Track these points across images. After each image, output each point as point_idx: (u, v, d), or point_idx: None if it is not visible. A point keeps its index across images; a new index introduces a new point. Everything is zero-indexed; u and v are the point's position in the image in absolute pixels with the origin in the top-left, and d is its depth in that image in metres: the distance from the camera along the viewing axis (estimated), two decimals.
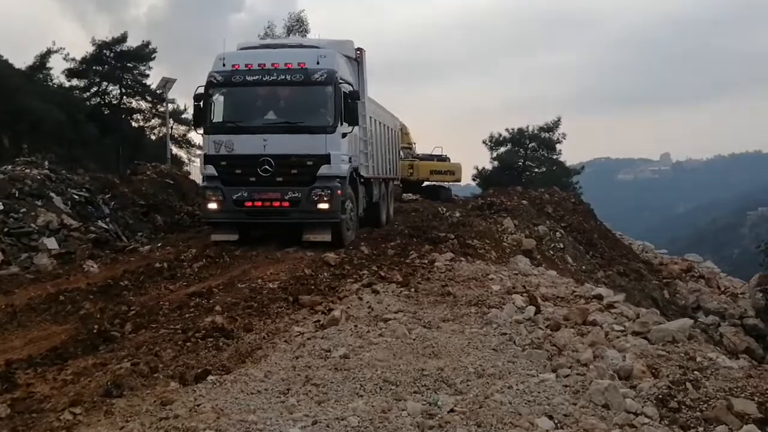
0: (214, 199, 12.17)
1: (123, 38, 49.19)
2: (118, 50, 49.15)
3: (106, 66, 48.52)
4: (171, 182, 17.88)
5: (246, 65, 12.18)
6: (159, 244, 13.93)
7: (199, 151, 56.12)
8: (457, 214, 18.79)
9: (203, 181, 12.84)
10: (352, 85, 13.21)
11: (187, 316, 7.71)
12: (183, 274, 10.28)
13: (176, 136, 56.74)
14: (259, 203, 12.07)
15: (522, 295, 8.43)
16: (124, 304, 8.24)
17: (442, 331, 6.88)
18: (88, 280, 10.00)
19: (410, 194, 31.22)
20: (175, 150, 56.80)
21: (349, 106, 12.30)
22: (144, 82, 49.01)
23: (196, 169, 52.81)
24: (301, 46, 13.54)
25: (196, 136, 55.50)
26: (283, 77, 12.09)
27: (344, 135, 12.35)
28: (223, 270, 10.62)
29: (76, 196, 13.79)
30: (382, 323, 7.11)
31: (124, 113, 51.08)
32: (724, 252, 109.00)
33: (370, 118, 15.11)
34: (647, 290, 16.95)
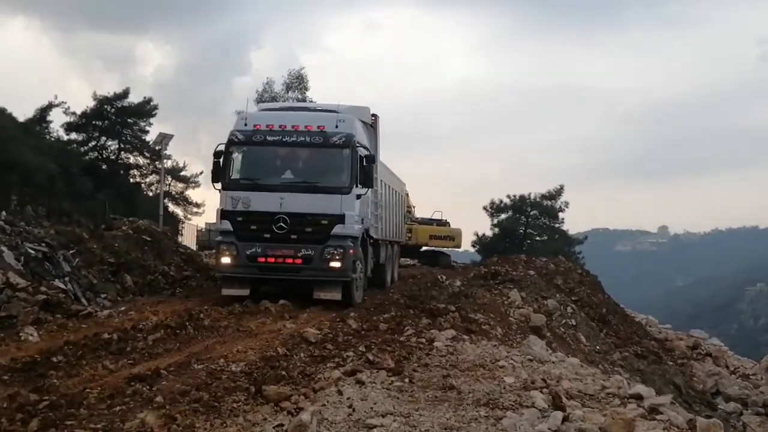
0: (228, 253, 12.26)
1: (125, 94, 48.57)
2: (119, 105, 48.54)
3: (106, 121, 47.75)
4: (148, 239, 16.28)
5: (267, 125, 12.48)
6: (122, 308, 12.24)
7: (195, 209, 55.01)
8: (458, 283, 17.10)
9: (218, 235, 13.05)
10: (368, 149, 13.38)
11: (116, 409, 5.94)
12: (134, 347, 8.52)
13: (173, 193, 55.63)
14: (273, 259, 12.15)
15: (542, 392, 6.67)
16: (43, 390, 6.45)
17: None
18: (20, 351, 8.24)
19: (408, 259, 29.63)
20: (171, 207, 55.62)
21: (365, 169, 12.62)
22: (143, 138, 48.14)
23: (191, 228, 51.46)
24: (320, 110, 13.75)
25: (194, 194, 54.40)
26: (303, 139, 12.34)
27: (359, 197, 12.59)
28: (182, 344, 8.87)
29: (32, 251, 12.14)
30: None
31: (122, 168, 50.09)
32: (723, 327, 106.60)
33: (381, 181, 15.33)
34: (668, 375, 15.11)
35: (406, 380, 7.02)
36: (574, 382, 7.35)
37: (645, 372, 14.31)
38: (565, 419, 5.77)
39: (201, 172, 52.86)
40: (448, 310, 12.60)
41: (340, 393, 6.31)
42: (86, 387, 6.59)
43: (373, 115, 15.19)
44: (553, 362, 8.55)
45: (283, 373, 7.12)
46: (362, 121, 14.28)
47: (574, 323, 14.69)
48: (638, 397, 6.73)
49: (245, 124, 12.75)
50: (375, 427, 5.41)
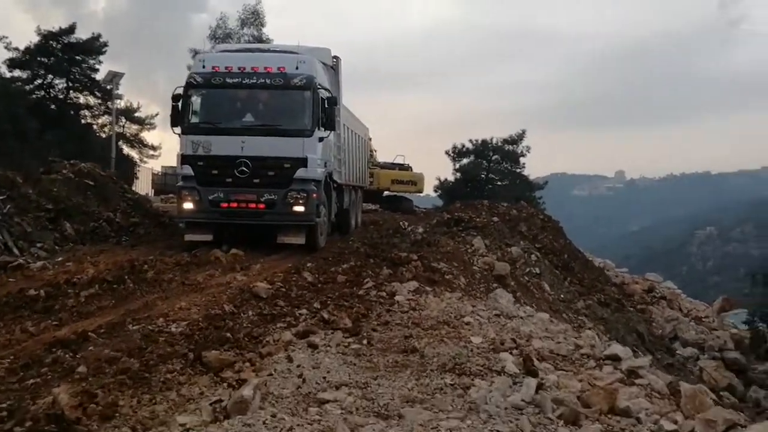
0: (190, 198, 12.06)
1: (71, 29, 45.71)
2: (66, 42, 45.83)
3: (52, 58, 45.11)
4: (91, 184, 15.09)
5: (226, 68, 12.17)
6: (59, 259, 11.26)
7: (151, 152, 53.13)
8: (420, 230, 16.42)
9: (179, 180, 12.71)
10: (329, 91, 13.05)
11: (29, 383, 5.13)
12: (63, 306, 7.65)
13: (128, 135, 53.40)
14: (235, 204, 11.98)
15: (512, 353, 6.09)
16: None
17: (404, 425, 4.46)
18: None
19: (370, 204, 28.87)
20: (126, 150, 53.46)
21: (327, 111, 12.40)
22: (93, 76, 45.73)
23: (147, 171, 49.62)
24: (280, 51, 13.36)
25: (148, 136, 52.33)
26: (263, 81, 12.10)
27: (321, 139, 12.38)
28: (119, 301, 8.02)
29: None
30: (314, 409, 4.65)
31: (71, 109, 47.71)
32: (674, 270, 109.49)
33: (344, 125, 15.12)
34: (630, 323, 14.86)
35: (364, 342, 6.36)
36: (545, 340, 6.79)
37: (608, 320, 14.02)
38: (539, 387, 5.17)
39: (156, 114, 50.65)
40: (410, 259, 11.95)
41: (289, 359, 5.60)
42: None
43: (335, 57, 14.79)
44: (521, 317, 7.99)
45: (228, 335, 6.37)
46: (323, 63, 13.87)
47: (538, 271, 14.22)
48: (614, 358, 6.20)
49: (203, 67, 12.43)
50: (327, 402, 4.73)
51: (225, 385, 5.13)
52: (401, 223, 17.81)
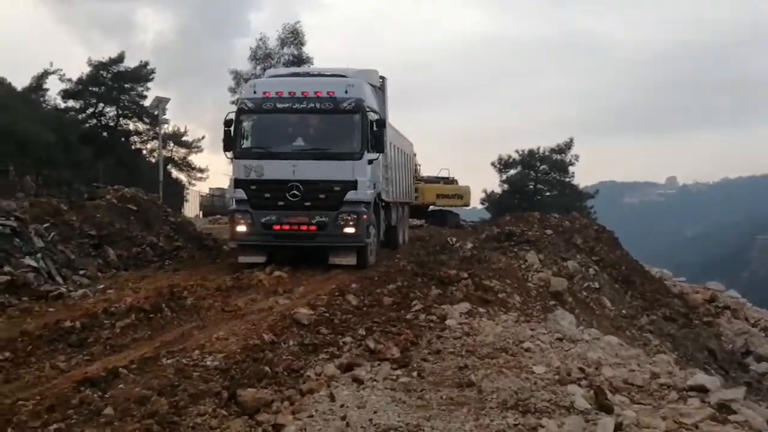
0: (243, 221, 12.27)
1: (120, 58, 46.89)
2: (115, 71, 46.89)
3: (102, 87, 46.22)
4: (134, 209, 14.95)
5: (276, 93, 12.35)
6: (100, 286, 11.01)
7: (199, 174, 53.79)
8: (469, 245, 15.74)
9: (232, 204, 12.94)
10: (378, 113, 13.22)
11: (51, 428, 4.69)
12: (98, 338, 7.26)
13: (176, 158, 54.25)
14: (287, 227, 12.16)
15: (581, 385, 5.39)
16: None
17: None
18: None
19: (415, 220, 28.27)
20: (175, 173, 54.31)
21: (376, 134, 12.52)
22: (141, 103, 46.66)
23: (195, 194, 50.11)
24: (329, 75, 13.53)
25: (197, 159, 53.02)
26: (313, 105, 12.23)
27: (370, 162, 12.50)
28: (155, 332, 7.60)
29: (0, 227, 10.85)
30: None
31: (121, 135, 48.68)
32: (734, 277, 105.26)
33: (390, 143, 15.15)
34: (700, 339, 13.83)
35: (414, 374, 5.74)
36: (616, 368, 6.05)
37: (676, 337, 13.05)
38: (617, 428, 4.47)
39: (203, 137, 51.29)
40: (460, 278, 11.33)
41: (332, 398, 5.03)
42: (23, 395, 5.32)
43: (381, 77, 15.00)
44: (586, 341, 7.25)
45: (266, 368, 5.85)
46: (371, 85, 14.04)
47: (597, 286, 13.37)
48: (700, 389, 5.42)
49: (254, 92, 12.63)
50: None
51: (260, 430, 4.59)
52: (448, 239, 17.18)
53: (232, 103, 38.22)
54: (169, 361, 6.22)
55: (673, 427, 4.59)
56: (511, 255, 13.46)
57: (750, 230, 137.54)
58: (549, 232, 15.68)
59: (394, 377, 5.63)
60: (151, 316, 8.14)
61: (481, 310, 9.11)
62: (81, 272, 11.68)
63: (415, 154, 24.32)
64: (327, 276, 11.96)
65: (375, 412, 4.75)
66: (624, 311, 13.23)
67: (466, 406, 4.96)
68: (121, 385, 5.57)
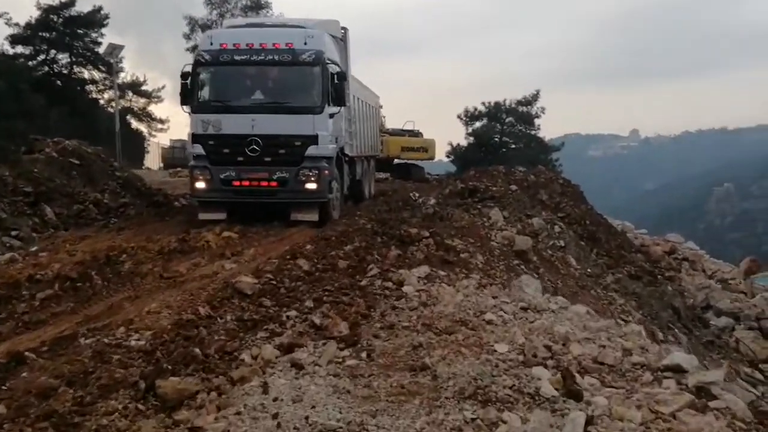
0: (201, 178, 11.90)
1: (71, 2, 44.40)
2: (67, 15, 44.46)
3: (53, 32, 43.82)
4: (77, 163, 13.88)
5: (234, 44, 11.98)
6: (34, 248, 10.10)
7: (160, 125, 52.02)
8: (432, 201, 15.07)
9: (191, 159, 12.56)
10: (339, 66, 12.92)
11: None
12: (12, 312, 6.45)
13: (135, 109, 52.13)
14: (247, 183, 11.87)
15: (547, 366, 4.80)
16: None
17: None
18: None
19: (379, 173, 27.51)
20: (134, 124, 52.27)
21: (337, 87, 12.26)
22: (96, 50, 44.46)
23: (156, 146, 48.39)
24: (288, 26, 13.15)
25: (158, 109, 51.13)
26: (271, 57, 11.92)
27: (331, 115, 12.22)
28: (79, 304, 6.82)
29: None
30: None
31: (76, 84, 46.51)
32: (691, 228, 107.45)
33: (354, 96, 14.93)
34: (666, 297, 13.50)
35: (363, 356, 5.09)
36: (585, 344, 5.48)
37: (641, 295, 12.68)
38: (588, 423, 3.89)
39: (163, 86, 49.30)
40: (422, 236, 10.69)
41: (265, 389, 4.35)
42: None
43: (343, 28, 14.51)
44: (552, 311, 6.68)
45: (196, 351, 5.13)
46: (332, 36, 13.60)
47: (562, 244, 12.86)
48: (677, 370, 4.88)
49: (211, 44, 12.20)
50: None
51: (180, 427, 3.89)
52: (411, 194, 16.48)
53: (188, 50, 36.49)
54: (87, 341, 5.47)
55: (650, 417, 4.05)
56: (475, 212, 12.84)
57: (708, 183, 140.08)
58: (514, 187, 15.07)
59: (340, 359, 4.97)
60: (79, 285, 7.34)
61: (441, 273, 8.49)
62: (13, 232, 10.76)
63: (380, 107, 23.47)
64: (281, 236, 11.22)
65: (313, 407, 4.09)
66: (589, 270, 12.78)
67: (418, 396, 4.33)
68: (25, 373, 4.81)
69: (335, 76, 12.34)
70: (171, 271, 8.16)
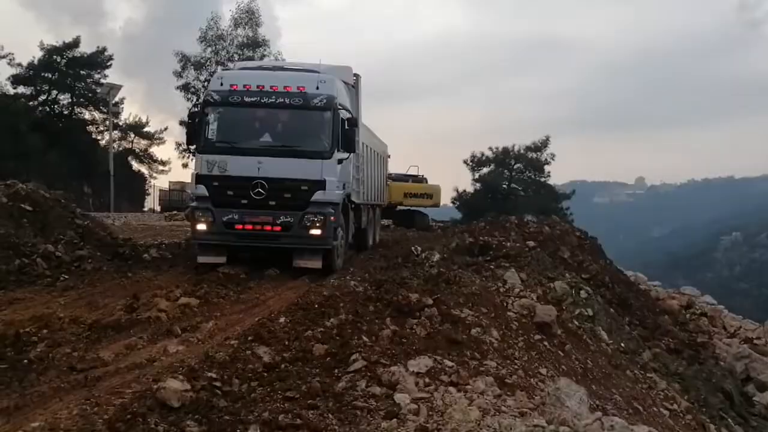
0: (203, 219, 11.56)
1: (75, 43, 43.65)
2: (70, 56, 43.58)
3: (56, 73, 42.95)
4: (29, 209, 11.97)
5: (244, 86, 11.76)
6: None
7: (161, 167, 50.63)
8: (437, 257, 13.07)
9: (193, 200, 12.23)
10: (350, 112, 12.80)
11: None
12: None
13: (137, 150, 50.90)
14: (250, 226, 11.49)
15: None
16: None
17: None
18: None
19: (382, 220, 25.59)
20: (136, 165, 50.92)
21: (347, 133, 11.99)
22: (98, 91, 43.42)
23: (157, 187, 46.67)
24: (300, 69, 12.84)
25: (158, 151, 49.87)
26: (282, 100, 11.65)
27: (340, 161, 11.95)
28: None
29: None
30: None
31: (77, 125, 45.32)
32: (698, 276, 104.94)
33: (363, 144, 14.70)
34: (714, 378, 11.32)
35: None
36: None
37: (685, 376, 10.53)
38: None
39: (165, 128, 48.17)
40: (424, 305, 8.69)
41: None
42: None
43: (355, 74, 14.29)
44: None
45: None
46: (344, 82, 13.38)
47: (590, 313, 10.75)
48: None
49: (221, 84, 12.00)
50: None
51: None
52: (413, 248, 14.46)
53: (178, 88, 35.20)
54: None
55: None
56: (487, 274, 10.81)
57: (714, 231, 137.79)
58: (531, 243, 13.05)
59: None
60: None
61: (447, 364, 6.42)
62: None
63: (388, 156, 21.98)
64: (253, 302, 9.23)
65: None
66: (623, 344, 10.62)
67: None
68: None
69: (346, 122, 12.02)
70: (90, 359, 6.10)
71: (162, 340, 6.94)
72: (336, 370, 5.98)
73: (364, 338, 6.96)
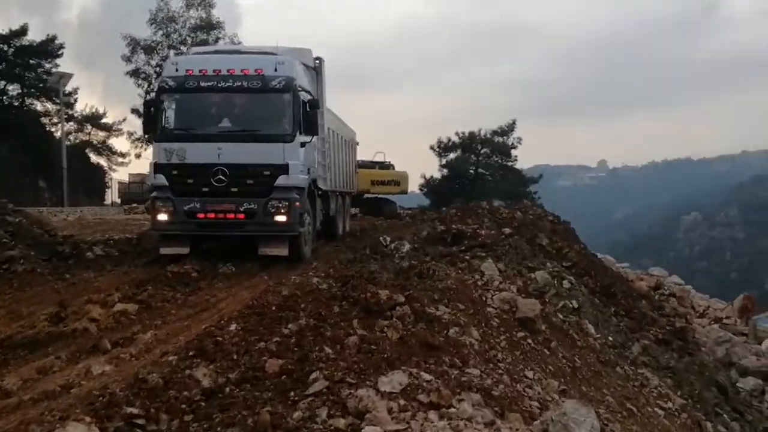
0: (164, 210, 11.22)
1: (23, 31, 41.28)
2: (18, 45, 41.27)
3: (3, 63, 40.65)
4: None
5: (200, 71, 11.43)
6: None
7: (120, 159, 48.63)
8: (407, 247, 12.08)
9: (152, 191, 11.83)
10: (311, 94, 12.52)
11: None
12: None
13: (95, 142, 48.84)
14: (213, 215, 11.18)
15: None
16: None
17: None
18: None
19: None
20: (94, 158, 48.81)
21: (308, 115, 11.69)
22: (48, 79, 41.24)
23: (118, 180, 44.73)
24: (257, 52, 12.54)
25: (117, 143, 47.89)
26: (240, 84, 11.36)
27: (303, 145, 11.60)
28: None
29: None
30: None
31: (29, 117, 43.09)
32: (661, 256, 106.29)
33: (329, 129, 14.45)
34: (707, 371, 10.50)
35: None
36: None
37: (677, 369, 9.71)
38: None
39: (124, 119, 46.25)
40: (395, 302, 7.71)
41: None
42: None
43: (317, 58, 13.79)
44: None
45: None
46: (304, 65, 12.93)
47: (575, 305, 9.85)
48: None
49: (176, 70, 11.57)
50: None
51: None
52: (381, 238, 13.41)
53: (128, 74, 33.51)
54: None
55: None
56: (463, 266, 9.83)
57: (675, 212, 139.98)
58: (507, 230, 12.11)
59: None
60: None
61: (425, 378, 5.40)
62: None
63: (357, 143, 20.99)
64: (201, 306, 8.08)
65: None
66: (611, 337, 9.76)
67: None
68: None
69: (307, 104, 11.68)
70: None
71: (86, 359, 5.79)
72: (292, 393, 4.91)
73: (327, 349, 5.91)
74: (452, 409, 4.60)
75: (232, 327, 6.61)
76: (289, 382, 5.15)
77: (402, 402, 4.75)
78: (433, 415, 4.45)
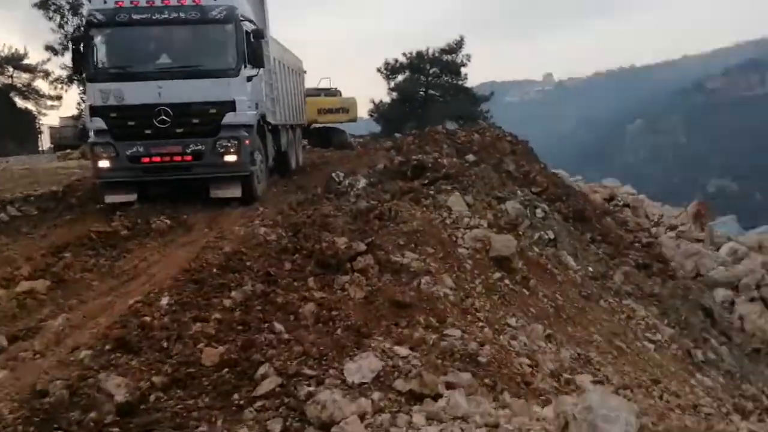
0: (105, 156, 10.40)
1: None
2: None
3: None
4: None
5: (132, 2, 10.40)
6: None
7: (50, 102, 45.23)
8: (362, 183, 10.95)
9: (92, 135, 10.98)
10: (254, 23, 11.74)
11: None
12: None
13: (19, 85, 45.32)
14: (158, 158, 10.43)
15: None
16: None
17: None
18: None
19: None
20: (20, 102, 45.40)
21: (254, 47, 10.91)
22: None
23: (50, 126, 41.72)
24: None
25: (44, 85, 44.41)
26: (177, 15, 10.40)
27: (249, 78, 10.89)
28: None
29: None
30: None
31: None
32: (609, 165, 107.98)
33: (274, 59, 13.85)
34: (691, 294, 9.88)
35: None
36: None
37: (661, 296, 9.06)
38: None
39: (48, 59, 42.72)
40: (355, 252, 6.72)
41: None
42: None
43: None
44: None
45: None
46: None
47: (551, 236, 8.99)
48: None
49: (104, 1, 10.61)
50: None
51: None
52: (334, 174, 12.20)
53: (35, 6, 30.48)
54: None
55: None
56: (428, 202, 8.77)
57: (620, 121, 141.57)
58: (471, 157, 11.04)
59: None
60: None
61: (401, 355, 4.42)
62: None
63: (304, 72, 19.41)
64: (129, 275, 6.86)
65: None
66: (591, 268, 8.97)
67: None
68: None
69: (251, 34, 10.92)
70: None
71: None
72: (236, 396, 3.85)
73: (278, 326, 4.84)
74: (441, 403, 3.61)
75: (163, 301, 5.48)
76: (232, 378, 4.10)
77: (376, 396, 3.75)
78: (418, 416, 3.44)
